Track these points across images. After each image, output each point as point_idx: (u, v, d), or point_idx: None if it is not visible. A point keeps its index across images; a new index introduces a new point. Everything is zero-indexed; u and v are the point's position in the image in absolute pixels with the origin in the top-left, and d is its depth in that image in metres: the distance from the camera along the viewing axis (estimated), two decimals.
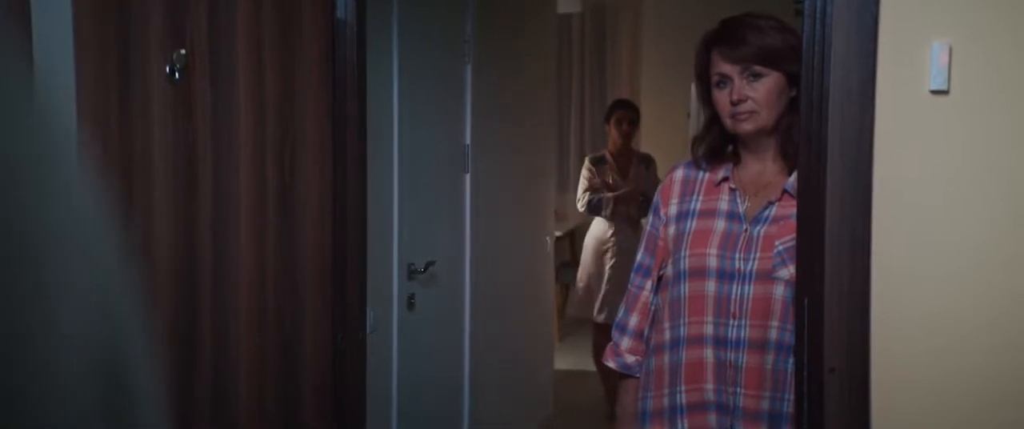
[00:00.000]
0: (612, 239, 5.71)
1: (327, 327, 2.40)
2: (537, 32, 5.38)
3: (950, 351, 1.90)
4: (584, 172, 5.84)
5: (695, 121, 5.78)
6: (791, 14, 2.21)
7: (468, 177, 4.27)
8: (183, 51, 1.92)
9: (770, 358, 2.12)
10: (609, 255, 5.70)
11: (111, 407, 0.57)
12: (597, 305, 5.69)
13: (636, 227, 5.63)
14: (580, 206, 5.83)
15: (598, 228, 5.81)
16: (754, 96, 2.14)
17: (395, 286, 3.58)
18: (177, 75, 1.91)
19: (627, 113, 5.84)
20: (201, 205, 2.02)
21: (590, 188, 5.75)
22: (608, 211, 5.67)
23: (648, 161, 5.80)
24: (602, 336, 5.38)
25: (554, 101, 5.92)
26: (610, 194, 5.67)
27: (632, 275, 2.40)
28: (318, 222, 2.36)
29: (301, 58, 2.30)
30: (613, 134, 5.81)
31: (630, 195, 5.66)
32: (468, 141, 4.24)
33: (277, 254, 2.25)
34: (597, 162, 5.81)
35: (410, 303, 3.64)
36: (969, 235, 1.87)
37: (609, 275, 5.67)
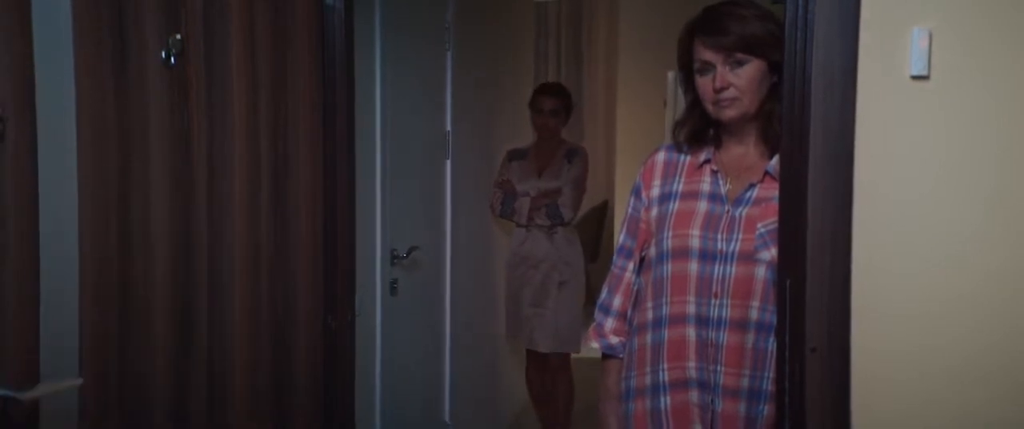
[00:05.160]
0: (526, 251, 4.78)
1: (318, 308, 2.42)
2: (515, 18, 5.40)
3: (924, 324, 1.93)
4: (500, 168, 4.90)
5: (672, 109, 5.73)
6: (768, 1, 2.25)
7: (449, 163, 4.28)
8: (178, 36, 1.94)
9: (751, 337, 2.16)
10: (522, 270, 4.80)
11: None
12: (526, 330, 4.85)
13: (551, 235, 4.73)
14: (492, 210, 4.90)
15: (515, 237, 4.88)
16: (737, 83, 2.18)
17: (378, 271, 3.59)
18: (172, 60, 1.93)
19: (548, 99, 4.81)
20: (197, 189, 2.03)
21: (498, 186, 4.86)
22: (523, 217, 4.75)
23: (573, 155, 4.78)
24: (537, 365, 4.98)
25: (532, 88, 5.92)
26: (526, 195, 4.76)
27: (615, 256, 2.45)
28: (310, 204, 2.38)
29: (292, 43, 2.31)
30: (534, 123, 4.88)
31: (538, 198, 4.73)
32: (449, 127, 4.26)
33: (271, 236, 2.27)
34: (516, 156, 4.88)
35: (393, 288, 3.66)
36: (949, 220, 1.89)
37: (529, 296, 4.79)
